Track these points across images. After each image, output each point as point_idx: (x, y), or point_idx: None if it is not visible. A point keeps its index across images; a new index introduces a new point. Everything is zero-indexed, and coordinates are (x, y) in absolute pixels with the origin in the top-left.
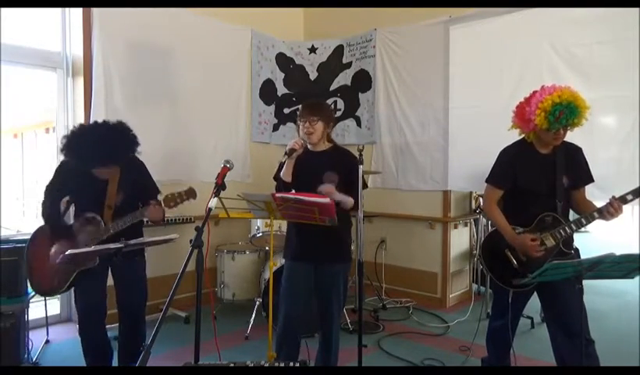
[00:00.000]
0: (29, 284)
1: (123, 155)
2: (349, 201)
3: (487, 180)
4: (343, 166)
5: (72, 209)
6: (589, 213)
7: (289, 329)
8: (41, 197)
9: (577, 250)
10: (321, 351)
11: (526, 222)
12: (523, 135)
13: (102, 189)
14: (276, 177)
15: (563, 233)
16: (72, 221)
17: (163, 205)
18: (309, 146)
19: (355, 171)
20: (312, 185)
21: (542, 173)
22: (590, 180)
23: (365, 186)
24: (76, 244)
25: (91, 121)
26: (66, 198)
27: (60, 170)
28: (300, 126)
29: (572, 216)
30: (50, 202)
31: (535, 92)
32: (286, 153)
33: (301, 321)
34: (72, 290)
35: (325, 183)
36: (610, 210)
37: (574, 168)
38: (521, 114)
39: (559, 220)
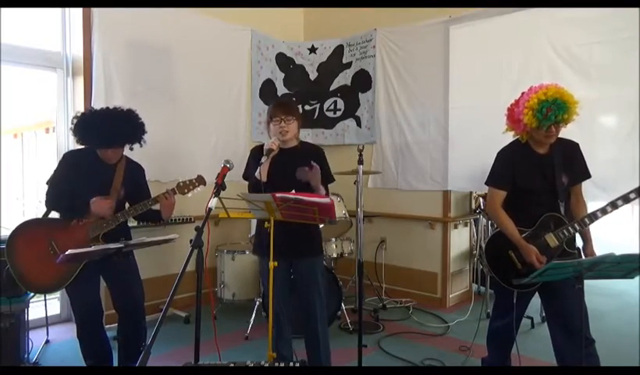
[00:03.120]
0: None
1: (133, 137)
2: (322, 189)
3: (487, 183)
4: (311, 160)
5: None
6: (592, 213)
7: (277, 330)
8: (44, 191)
9: (579, 249)
10: (309, 350)
11: (528, 222)
12: (517, 136)
13: (107, 181)
14: (246, 176)
15: (566, 234)
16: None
17: (177, 192)
18: (280, 144)
19: (323, 164)
20: (285, 181)
21: (540, 172)
22: (587, 176)
23: (332, 179)
24: (79, 238)
25: None
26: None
27: (64, 162)
28: (273, 126)
29: None
30: (57, 192)
31: (523, 94)
32: (264, 154)
33: (289, 320)
34: (68, 294)
35: (306, 169)
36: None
37: (572, 165)
38: (512, 116)
39: (562, 220)
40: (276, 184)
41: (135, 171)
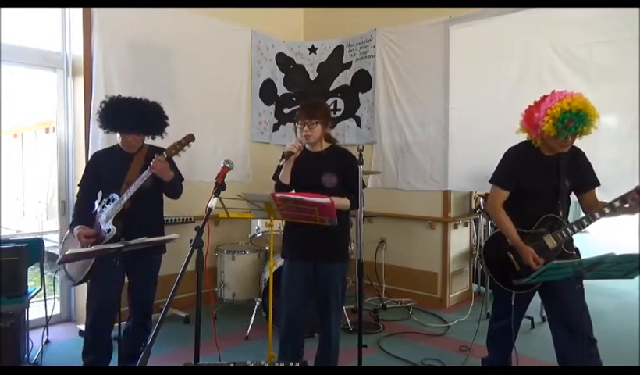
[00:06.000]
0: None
1: (156, 127)
2: (345, 203)
3: (491, 181)
4: (341, 166)
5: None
6: (590, 214)
7: (291, 328)
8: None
9: (577, 250)
10: (321, 350)
11: (527, 222)
12: (528, 138)
13: (125, 169)
14: (275, 178)
15: (565, 235)
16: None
17: (166, 155)
18: (307, 146)
19: (354, 170)
20: (311, 185)
21: (545, 176)
22: (596, 183)
23: (364, 185)
24: (98, 227)
25: (91, 120)
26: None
27: (88, 165)
28: (298, 129)
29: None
30: (80, 199)
31: (544, 97)
32: (283, 156)
33: (303, 320)
34: (87, 288)
35: (325, 181)
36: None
37: (578, 171)
38: (529, 119)
39: (560, 222)
40: (300, 188)
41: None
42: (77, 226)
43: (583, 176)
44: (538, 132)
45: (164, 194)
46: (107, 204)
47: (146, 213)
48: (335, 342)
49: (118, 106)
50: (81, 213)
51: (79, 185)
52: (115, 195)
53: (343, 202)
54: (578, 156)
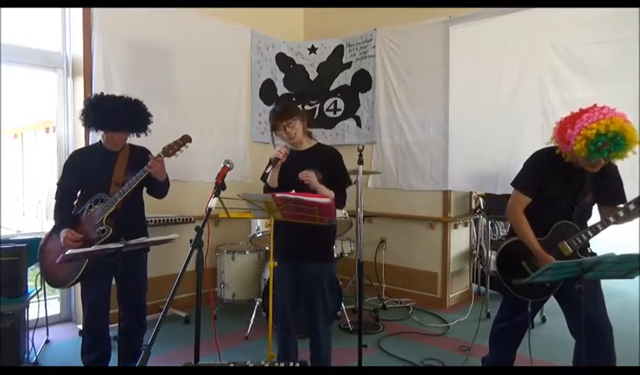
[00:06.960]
0: (44, 279)
1: (141, 125)
2: (329, 193)
3: (514, 184)
4: (326, 163)
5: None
6: (605, 219)
7: (284, 329)
8: (53, 196)
9: (594, 255)
10: (312, 351)
11: (542, 228)
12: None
13: (110, 168)
14: (263, 179)
15: (579, 241)
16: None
17: (163, 156)
18: (292, 146)
19: (338, 166)
20: (297, 185)
21: (569, 187)
22: (622, 200)
23: (349, 182)
24: (88, 228)
25: None
26: (79, 193)
27: (68, 164)
28: (282, 134)
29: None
30: (61, 199)
31: (583, 112)
32: (270, 162)
33: (294, 321)
34: (80, 288)
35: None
36: None
37: (605, 186)
38: (562, 134)
39: (574, 228)
40: (286, 188)
41: (141, 155)
42: (64, 230)
43: (609, 192)
44: (568, 149)
45: (149, 194)
46: (94, 204)
47: (132, 212)
48: (325, 344)
49: (103, 105)
50: (63, 214)
51: (57, 184)
52: (103, 195)
53: (326, 191)
54: (609, 170)
